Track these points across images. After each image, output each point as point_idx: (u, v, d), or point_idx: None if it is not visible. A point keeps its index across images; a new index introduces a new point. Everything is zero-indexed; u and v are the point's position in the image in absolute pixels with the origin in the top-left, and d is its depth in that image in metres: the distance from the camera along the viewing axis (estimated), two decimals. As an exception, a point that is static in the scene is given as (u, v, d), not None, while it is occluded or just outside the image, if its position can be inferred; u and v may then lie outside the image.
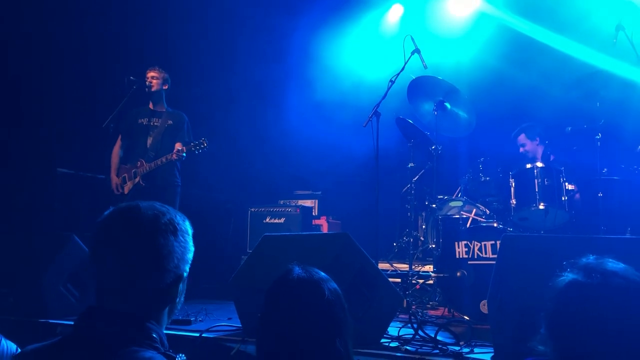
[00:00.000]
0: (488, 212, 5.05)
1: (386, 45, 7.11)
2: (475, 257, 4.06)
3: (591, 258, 1.37)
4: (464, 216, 4.92)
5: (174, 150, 4.95)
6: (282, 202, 6.52)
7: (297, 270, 1.60)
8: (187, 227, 1.40)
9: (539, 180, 4.74)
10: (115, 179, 5.13)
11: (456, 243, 4.16)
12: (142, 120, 5.18)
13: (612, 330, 1.25)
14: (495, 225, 4.44)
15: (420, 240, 5.73)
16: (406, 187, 5.65)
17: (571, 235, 4.51)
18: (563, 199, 4.70)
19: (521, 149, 5.65)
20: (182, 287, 1.38)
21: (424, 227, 5.72)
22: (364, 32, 7.34)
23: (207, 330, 3.37)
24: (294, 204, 6.36)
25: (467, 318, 3.87)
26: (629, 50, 4.61)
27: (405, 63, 4.95)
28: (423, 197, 5.77)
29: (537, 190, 4.72)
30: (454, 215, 5.07)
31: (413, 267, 5.08)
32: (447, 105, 5.38)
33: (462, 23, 6.88)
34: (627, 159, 5.13)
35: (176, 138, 5.14)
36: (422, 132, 5.39)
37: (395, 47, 6.17)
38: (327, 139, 6.79)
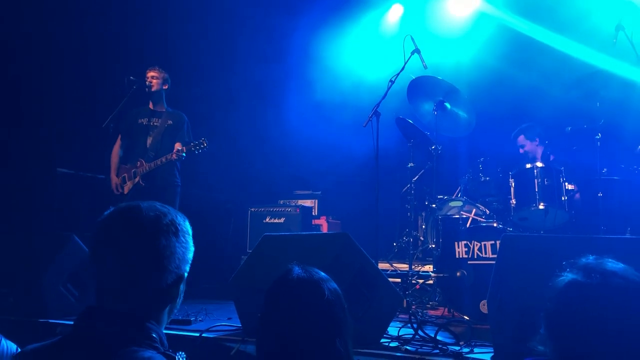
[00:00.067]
0: (488, 212, 5.05)
1: (386, 45, 7.11)
2: (475, 257, 4.06)
3: (591, 258, 1.37)
4: (464, 216, 4.92)
5: (174, 150, 4.95)
6: (282, 202, 6.52)
7: (297, 270, 1.60)
8: (188, 227, 1.41)
9: (539, 180, 4.74)
10: (115, 179, 5.13)
11: (456, 243, 4.16)
12: (142, 120, 5.18)
13: (611, 330, 1.25)
14: (495, 225, 4.44)
15: (420, 240, 5.73)
16: (406, 187, 5.65)
17: (571, 235, 4.51)
18: (563, 199, 4.70)
19: (521, 150, 5.65)
20: (182, 287, 1.39)
21: (423, 227, 5.73)
22: (364, 32, 7.34)
23: (207, 330, 3.37)
24: (293, 204, 6.36)
25: (467, 318, 3.87)
26: (629, 50, 4.61)
27: (405, 63, 4.95)
28: (423, 197, 5.77)
29: (537, 190, 4.72)
30: (454, 215, 5.07)
31: (413, 267, 5.08)
32: (447, 105, 5.38)
33: (462, 23, 6.88)
34: (627, 159, 5.13)
35: (176, 138, 5.14)
36: (422, 132, 5.39)
37: (395, 47, 6.17)
38: (327, 139, 6.79)
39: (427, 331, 3.17)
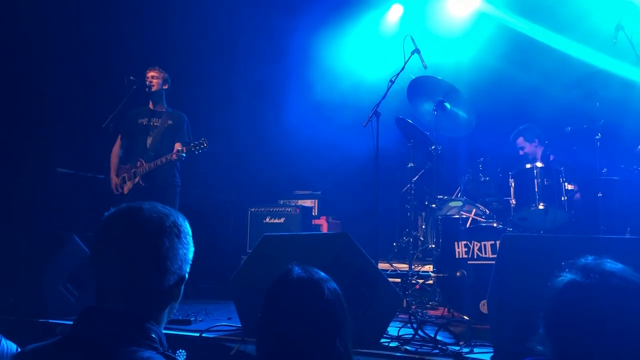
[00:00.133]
0: (488, 212, 5.05)
1: (386, 45, 7.11)
2: (475, 257, 4.06)
3: (590, 258, 1.37)
4: (464, 216, 4.92)
5: (174, 151, 4.95)
6: (282, 202, 6.52)
7: (297, 270, 1.61)
8: (189, 228, 1.42)
9: (539, 180, 4.74)
10: (114, 179, 5.13)
11: (456, 243, 4.16)
12: (142, 120, 5.18)
13: (610, 331, 1.25)
14: (495, 225, 4.44)
15: (420, 240, 5.73)
16: (406, 187, 5.65)
17: (571, 235, 4.51)
18: (563, 199, 4.71)
19: (521, 152, 5.64)
20: (182, 287, 1.39)
21: (423, 227, 5.73)
22: (363, 32, 7.34)
23: (207, 330, 3.37)
24: (293, 204, 6.36)
25: (467, 318, 3.87)
26: (628, 50, 4.62)
27: (405, 63, 4.96)
28: (423, 197, 5.77)
29: (536, 190, 4.73)
30: (454, 215, 5.07)
31: (413, 267, 5.08)
32: (447, 105, 5.38)
33: (461, 23, 6.88)
34: (627, 159, 5.13)
35: (176, 138, 5.14)
36: (421, 132, 5.39)
37: (395, 47, 6.17)
38: (327, 139, 6.79)
39: (427, 331, 3.17)
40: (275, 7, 7.06)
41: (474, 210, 5.04)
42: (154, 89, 5.14)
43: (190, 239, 1.40)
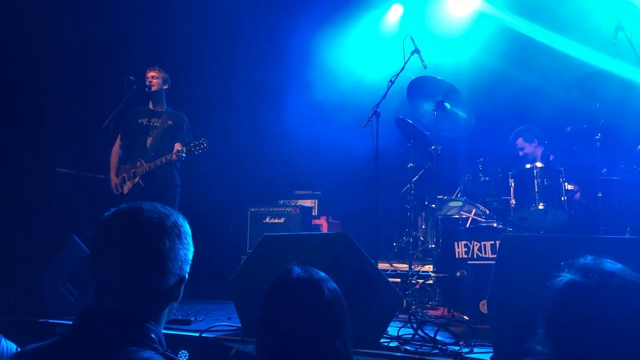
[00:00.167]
0: (488, 212, 5.05)
1: (386, 45, 7.11)
2: (475, 257, 4.06)
3: (589, 258, 1.37)
4: (464, 216, 4.92)
5: (174, 151, 4.95)
6: (282, 202, 6.52)
7: (297, 270, 1.61)
8: (188, 228, 1.42)
9: (539, 180, 4.75)
10: (114, 179, 5.13)
11: (456, 243, 4.16)
12: (142, 120, 5.18)
13: (609, 331, 1.25)
14: (494, 225, 4.44)
15: (420, 240, 5.74)
16: (406, 187, 5.66)
17: (570, 235, 4.51)
18: (562, 199, 4.71)
19: (520, 153, 5.65)
20: (182, 287, 1.40)
21: (423, 227, 5.73)
22: (363, 33, 7.34)
23: (207, 330, 3.37)
24: (293, 204, 6.36)
25: (467, 318, 3.87)
26: (628, 50, 4.62)
27: (405, 63, 4.96)
28: (423, 197, 5.77)
29: (536, 190, 4.73)
30: (454, 215, 5.07)
31: (413, 267, 5.08)
32: (447, 105, 5.38)
33: (461, 23, 6.88)
34: (627, 159, 5.13)
35: (176, 138, 5.14)
36: (421, 132, 5.39)
37: (395, 47, 6.17)
38: (327, 139, 6.79)
39: (426, 331, 3.17)
40: (275, 7, 7.06)
41: (473, 210, 5.04)
42: (153, 89, 5.14)
43: (190, 240, 1.41)
